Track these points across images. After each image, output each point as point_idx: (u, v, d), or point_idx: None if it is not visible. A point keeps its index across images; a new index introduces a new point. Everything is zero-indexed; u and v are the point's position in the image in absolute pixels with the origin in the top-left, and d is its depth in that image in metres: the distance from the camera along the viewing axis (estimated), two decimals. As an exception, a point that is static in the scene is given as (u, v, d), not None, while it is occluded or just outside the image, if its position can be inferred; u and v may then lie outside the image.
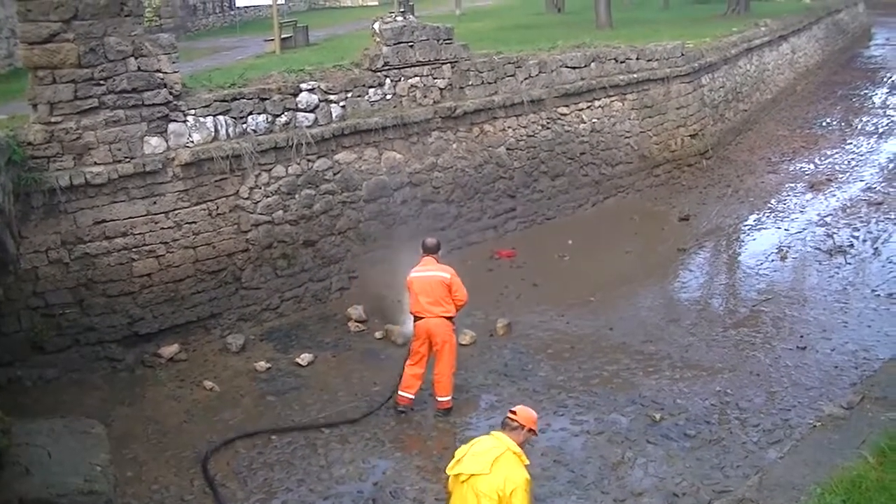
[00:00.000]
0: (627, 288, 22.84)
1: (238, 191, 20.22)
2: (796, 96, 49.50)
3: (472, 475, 9.69)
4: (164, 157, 18.90)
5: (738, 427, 15.88)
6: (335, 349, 19.58)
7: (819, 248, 25.33)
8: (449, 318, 16.58)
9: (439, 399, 16.87)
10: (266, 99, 20.78)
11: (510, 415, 10.27)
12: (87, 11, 17.56)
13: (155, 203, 18.90)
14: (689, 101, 32.72)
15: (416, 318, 16.60)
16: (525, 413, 10.34)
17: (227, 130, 20.03)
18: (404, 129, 23.62)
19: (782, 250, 25.27)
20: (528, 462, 9.94)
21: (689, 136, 32.67)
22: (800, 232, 26.99)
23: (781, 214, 28.95)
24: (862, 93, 51.59)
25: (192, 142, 19.47)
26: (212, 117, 19.81)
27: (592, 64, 29.28)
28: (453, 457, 10.15)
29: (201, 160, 19.40)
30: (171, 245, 19.18)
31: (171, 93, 19.00)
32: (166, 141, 19.04)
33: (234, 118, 20.19)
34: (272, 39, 40.30)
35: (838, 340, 19.40)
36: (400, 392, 16.84)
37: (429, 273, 16.64)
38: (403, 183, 23.69)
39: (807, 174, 33.88)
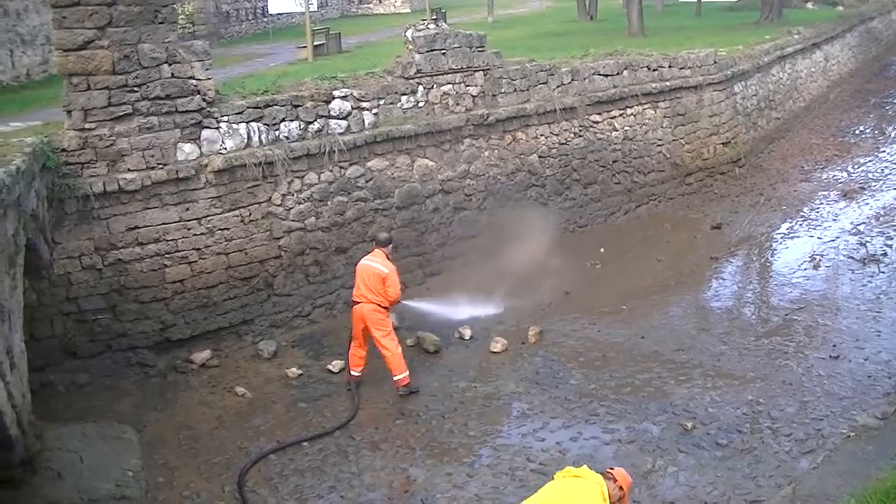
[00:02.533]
0: (659, 296, 22.76)
1: (270, 197, 20.28)
2: (829, 104, 49.22)
3: None
4: (197, 164, 18.99)
5: (770, 436, 15.78)
6: (366, 356, 19.55)
7: (852, 257, 25.17)
8: (380, 306, 17.77)
9: (394, 378, 17.97)
10: (299, 106, 20.84)
11: (612, 474, 10.31)
12: (121, 19, 17.68)
13: (188, 209, 18.99)
14: (722, 109, 32.60)
15: (355, 303, 17.94)
16: (626, 478, 10.48)
17: (259, 137, 20.10)
18: (436, 137, 23.62)
19: (815, 259, 25.11)
20: None
21: (722, 144, 32.54)
22: (833, 240, 26.82)
23: (814, 223, 28.78)
24: (895, 101, 51.26)
25: (225, 148, 19.55)
26: (245, 124, 19.88)
27: (625, 72, 29.23)
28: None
29: (234, 167, 19.48)
30: (203, 251, 19.25)
31: (204, 99, 19.09)
32: (199, 147, 19.13)
33: (267, 125, 20.25)
34: (305, 46, 40.56)
35: (871, 350, 19.25)
36: (350, 371, 18.27)
37: (373, 264, 17.93)
38: (435, 190, 23.69)
39: (840, 182, 33.68)
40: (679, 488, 14.42)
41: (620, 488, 10.16)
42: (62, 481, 13.47)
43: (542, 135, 26.56)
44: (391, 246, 18.65)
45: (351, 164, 21.80)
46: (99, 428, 15.64)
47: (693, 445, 15.59)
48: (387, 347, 17.84)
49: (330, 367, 18.86)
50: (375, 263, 17.89)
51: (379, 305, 17.72)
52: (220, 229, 19.47)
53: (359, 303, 17.80)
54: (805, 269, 24.45)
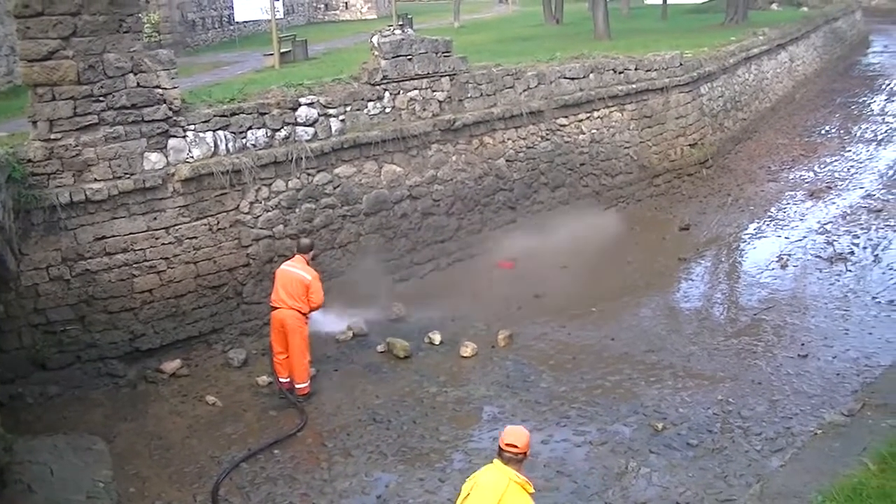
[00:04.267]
0: (629, 298, 22.83)
1: (238, 205, 20.26)
2: (795, 104, 49.52)
3: None
4: (164, 173, 18.95)
5: (740, 436, 15.87)
6: (337, 363, 19.57)
7: (819, 256, 25.33)
8: (301, 313, 17.78)
9: (297, 386, 18.02)
10: (265, 113, 20.83)
11: (509, 448, 9.84)
12: (86, 29, 17.62)
13: (155, 219, 18.94)
14: (689, 111, 32.77)
15: (273, 309, 17.89)
16: (523, 439, 9.98)
17: (226, 145, 20.07)
18: (404, 143, 23.65)
19: (783, 258, 25.27)
20: (532, 490, 9.84)
21: (689, 145, 32.72)
22: (800, 240, 27.00)
23: (781, 223, 28.96)
24: (860, 100, 51.61)
25: (192, 157, 19.51)
26: (211, 132, 19.85)
27: (591, 75, 29.33)
28: (459, 493, 10.01)
29: (201, 175, 19.45)
30: (171, 260, 19.22)
31: (170, 108, 19.05)
32: (166, 156, 19.08)
33: (234, 133, 20.23)
34: (271, 54, 40.48)
35: (840, 348, 19.39)
36: (280, 379, 18.14)
37: (294, 270, 17.94)
38: (403, 196, 23.71)
39: (806, 182, 33.89)
40: (651, 489, 14.46)
41: (524, 454, 9.97)
42: (33, 494, 13.40)
43: (509, 139, 26.62)
44: (312, 252, 18.71)
45: (318, 171, 21.80)
46: (69, 440, 15.59)
47: (664, 446, 15.65)
48: (301, 355, 17.88)
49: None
50: (297, 270, 17.94)
51: (299, 311, 17.77)
52: (188, 238, 19.43)
53: (277, 308, 17.78)
54: (773, 269, 24.60)
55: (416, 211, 24.06)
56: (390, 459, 15.75)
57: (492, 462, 9.98)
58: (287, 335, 17.76)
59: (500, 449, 9.91)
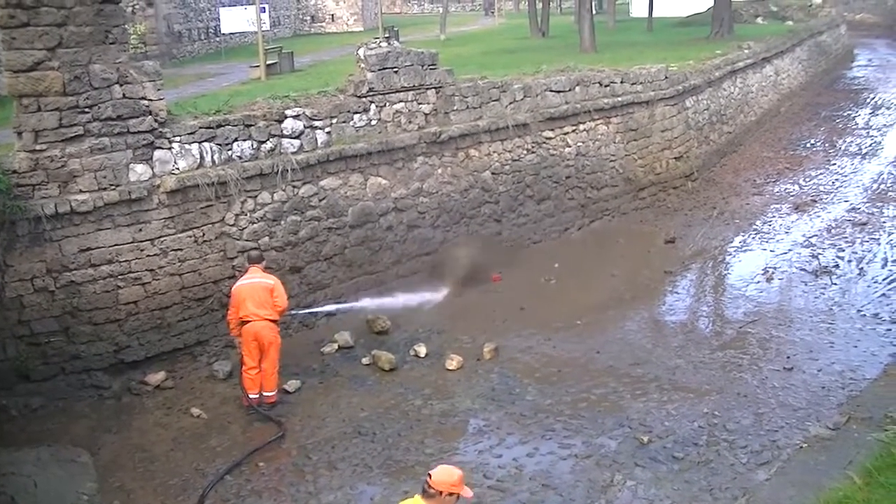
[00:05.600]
0: (614, 311, 22.84)
1: (224, 217, 20.23)
2: (780, 118, 49.70)
3: None
4: (149, 185, 18.91)
5: (726, 449, 15.86)
6: (322, 375, 19.53)
7: (805, 269, 25.39)
8: (273, 321, 17.95)
9: (265, 394, 18.03)
10: (251, 125, 20.81)
11: (427, 479, 9.58)
12: (71, 39, 17.59)
13: (140, 230, 18.90)
14: (674, 124, 32.85)
15: (244, 323, 17.80)
16: (441, 477, 9.56)
17: (212, 157, 20.05)
18: (389, 155, 23.65)
19: (768, 272, 25.32)
20: None
21: (674, 158, 32.79)
22: (785, 253, 27.06)
23: (767, 236, 29.02)
24: (845, 114, 51.82)
25: (178, 169, 19.48)
26: (197, 144, 19.82)
27: (577, 88, 29.39)
28: None
29: (187, 187, 19.41)
30: (157, 272, 19.17)
31: (156, 120, 19.02)
32: (152, 168, 19.05)
33: (220, 145, 20.20)
34: (257, 66, 40.56)
35: (825, 361, 19.42)
36: (249, 395, 17.98)
37: (255, 280, 18.09)
38: (389, 208, 23.71)
39: (791, 195, 33.98)
40: (637, 502, 14.44)
41: (451, 495, 9.59)
42: (16, 506, 13.36)
43: (494, 151, 26.64)
44: (263, 263, 18.90)
45: (304, 184, 21.79)
46: (53, 452, 15.53)
47: (650, 459, 15.63)
48: (273, 363, 17.99)
49: (286, 386, 18.73)
50: (258, 279, 18.11)
51: (271, 321, 17.88)
52: (173, 250, 19.39)
53: (250, 321, 17.74)
54: (758, 282, 24.65)
55: (401, 223, 24.05)
56: (375, 472, 15.70)
57: (414, 496, 9.75)
58: (263, 347, 17.82)
59: (423, 486, 9.65)
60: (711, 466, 15.30)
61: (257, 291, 17.82)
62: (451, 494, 9.53)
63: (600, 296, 23.86)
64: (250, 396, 17.94)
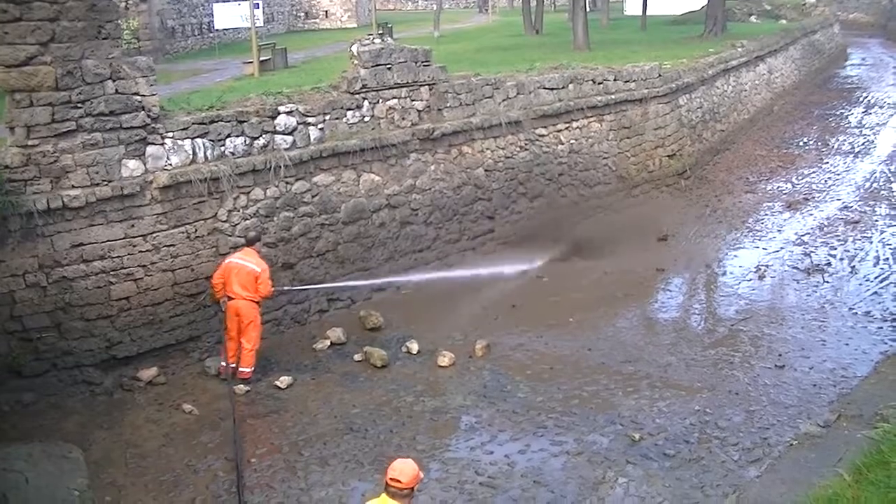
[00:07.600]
0: (606, 308, 22.85)
1: (216, 213, 20.20)
2: (773, 116, 49.79)
3: None
4: (142, 180, 18.87)
5: (717, 446, 15.90)
6: (314, 371, 19.53)
7: (797, 267, 25.45)
8: (255, 302, 18.85)
9: (241, 370, 18.89)
10: (244, 122, 20.78)
11: (393, 483, 9.64)
12: (64, 34, 17.54)
13: (133, 226, 18.87)
14: (667, 122, 32.88)
15: (228, 299, 18.74)
16: (409, 475, 9.73)
17: (205, 153, 20.02)
18: (382, 152, 23.64)
19: (760, 269, 25.36)
20: None
21: (667, 156, 32.82)
22: (777, 251, 27.12)
23: (759, 234, 29.08)
24: (838, 112, 51.96)
25: (171, 164, 19.44)
26: (190, 140, 19.79)
27: (570, 85, 29.40)
28: None
29: (179, 183, 19.38)
30: (149, 268, 19.14)
31: (149, 115, 18.98)
32: (144, 164, 19.01)
33: (213, 141, 20.18)
34: (251, 62, 40.42)
35: (816, 359, 19.47)
36: (228, 363, 18.96)
37: (245, 262, 18.81)
38: (382, 205, 23.70)
39: (784, 193, 34.06)
40: (628, 499, 14.46)
41: (411, 489, 9.73)
42: (7, 503, 13.32)
43: (487, 148, 26.64)
44: (259, 243, 19.79)
45: (297, 180, 21.77)
46: (44, 448, 15.48)
47: (641, 456, 15.65)
48: (251, 341, 18.77)
49: (278, 382, 18.76)
50: (249, 263, 18.78)
51: (251, 301, 18.72)
52: (165, 246, 19.36)
53: (232, 299, 18.62)
54: (750, 280, 24.70)
55: (394, 220, 24.05)
56: (367, 468, 15.70)
57: (380, 495, 9.82)
58: (241, 325, 18.68)
59: (386, 483, 9.74)
60: (703, 464, 15.34)
61: (243, 275, 18.62)
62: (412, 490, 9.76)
63: (593, 293, 23.88)
64: (227, 365, 18.86)
